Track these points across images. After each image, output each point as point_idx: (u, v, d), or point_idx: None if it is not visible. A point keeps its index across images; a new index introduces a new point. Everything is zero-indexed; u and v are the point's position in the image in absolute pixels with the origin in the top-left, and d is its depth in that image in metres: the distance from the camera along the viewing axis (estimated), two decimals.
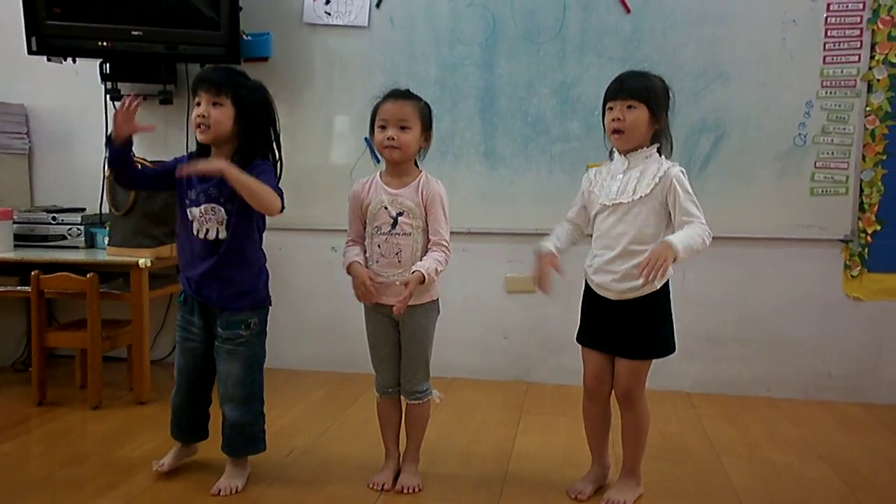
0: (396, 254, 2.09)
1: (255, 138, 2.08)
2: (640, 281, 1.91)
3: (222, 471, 2.19)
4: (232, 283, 2.10)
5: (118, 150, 2.04)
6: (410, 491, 2.16)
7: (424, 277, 2.03)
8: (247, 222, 2.08)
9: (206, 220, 2.06)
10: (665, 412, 2.92)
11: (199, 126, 2.02)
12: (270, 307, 2.22)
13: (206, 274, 2.09)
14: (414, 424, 2.23)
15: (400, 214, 2.09)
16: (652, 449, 2.43)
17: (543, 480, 2.28)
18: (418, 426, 2.23)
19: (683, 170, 2.01)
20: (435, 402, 2.25)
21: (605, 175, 2.07)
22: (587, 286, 2.14)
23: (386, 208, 2.10)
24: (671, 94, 2.04)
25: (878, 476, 2.37)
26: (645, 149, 2.01)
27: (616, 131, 1.99)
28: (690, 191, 1.97)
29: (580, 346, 2.18)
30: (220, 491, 2.12)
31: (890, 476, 2.38)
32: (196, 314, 2.15)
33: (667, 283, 2.05)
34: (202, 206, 2.06)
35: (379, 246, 2.11)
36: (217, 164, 1.94)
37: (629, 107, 1.97)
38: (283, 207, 2.04)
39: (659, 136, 2.04)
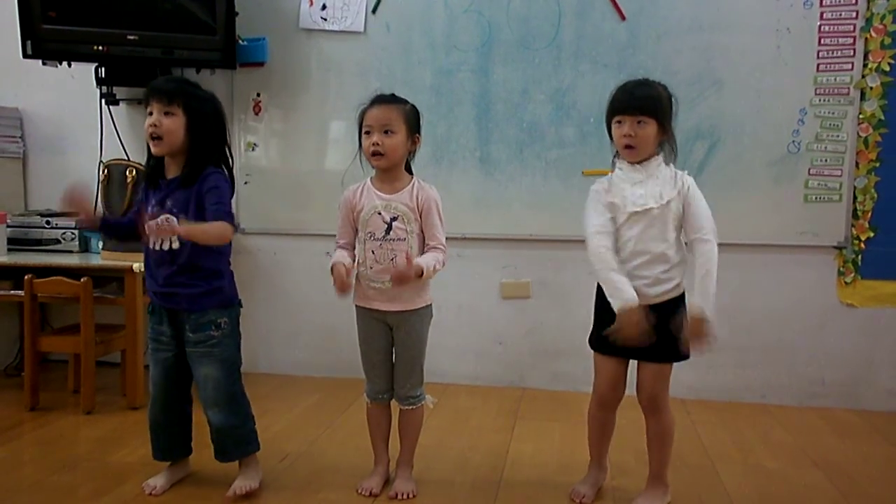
0: (391, 259, 2.08)
1: (207, 148, 2.08)
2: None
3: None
4: (194, 287, 2.08)
5: (104, 230, 2.17)
6: (405, 496, 2.15)
7: (423, 270, 2.01)
8: None
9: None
10: None
11: (152, 137, 2.03)
12: (241, 308, 2.20)
13: (166, 283, 2.08)
14: (407, 430, 2.23)
15: (394, 219, 2.09)
16: (646, 455, 2.43)
17: (538, 486, 2.28)
18: (412, 431, 2.23)
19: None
20: (428, 408, 2.25)
21: (623, 184, 2.04)
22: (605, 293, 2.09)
23: (379, 213, 2.09)
24: (674, 101, 2.06)
25: (872, 483, 2.37)
26: (655, 157, 2.04)
27: (628, 146, 2.00)
28: (703, 198, 2.02)
29: (593, 353, 2.14)
30: (234, 492, 2.10)
31: (883, 483, 2.39)
32: (165, 323, 2.13)
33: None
34: (158, 219, 2.05)
35: (373, 252, 2.10)
36: (169, 230, 1.98)
37: (639, 122, 1.98)
38: (235, 228, 2.06)
39: (665, 145, 2.06)
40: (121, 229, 2.21)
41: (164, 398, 2.17)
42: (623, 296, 1.95)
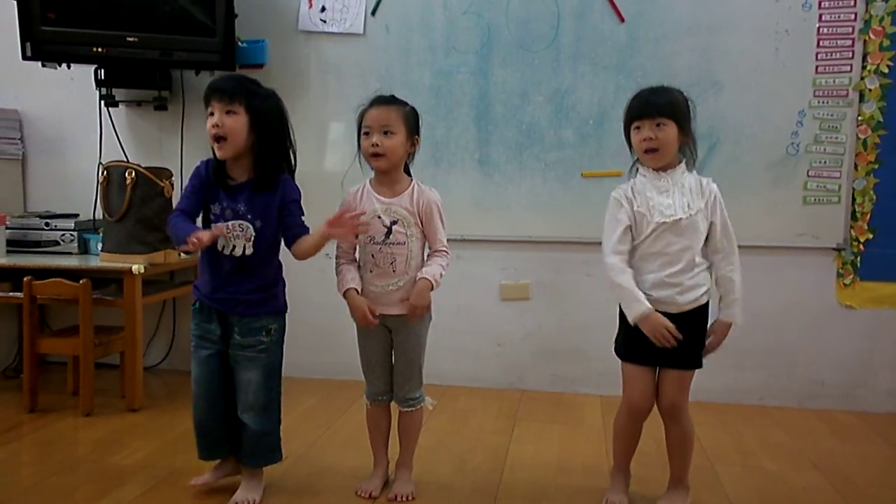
0: (391, 263, 2.09)
1: (272, 148, 2.03)
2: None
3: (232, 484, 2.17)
4: (254, 294, 2.07)
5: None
6: (404, 499, 2.15)
7: (432, 284, 2.05)
8: (272, 237, 2.07)
9: (234, 237, 2.02)
10: (659, 420, 2.89)
11: (216, 139, 1.96)
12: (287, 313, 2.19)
13: (227, 287, 2.05)
14: (407, 432, 2.23)
15: (394, 223, 2.09)
16: (645, 456, 2.43)
17: (538, 488, 2.28)
18: (411, 433, 2.23)
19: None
20: (428, 409, 2.25)
21: (648, 193, 2.01)
22: None
23: (379, 217, 2.09)
24: (692, 105, 2.05)
25: (871, 484, 2.37)
26: (679, 165, 2.03)
27: (650, 150, 1.98)
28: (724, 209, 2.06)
29: (622, 363, 2.11)
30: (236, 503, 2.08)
31: (882, 484, 2.39)
32: (214, 322, 2.09)
33: None
34: (229, 223, 2.02)
35: (373, 255, 2.10)
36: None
37: (658, 125, 1.96)
38: None
39: (684, 149, 2.04)
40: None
41: (209, 396, 2.12)
42: (639, 308, 1.97)
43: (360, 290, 2.09)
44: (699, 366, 2.07)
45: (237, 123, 1.96)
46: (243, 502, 2.09)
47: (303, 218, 2.09)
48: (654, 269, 2.01)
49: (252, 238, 2.02)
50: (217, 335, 2.10)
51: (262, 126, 2.00)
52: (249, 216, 2.02)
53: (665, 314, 1.99)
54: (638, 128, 1.99)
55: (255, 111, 1.98)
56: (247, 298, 2.06)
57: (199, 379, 2.12)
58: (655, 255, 2.01)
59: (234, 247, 2.03)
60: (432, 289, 2.06)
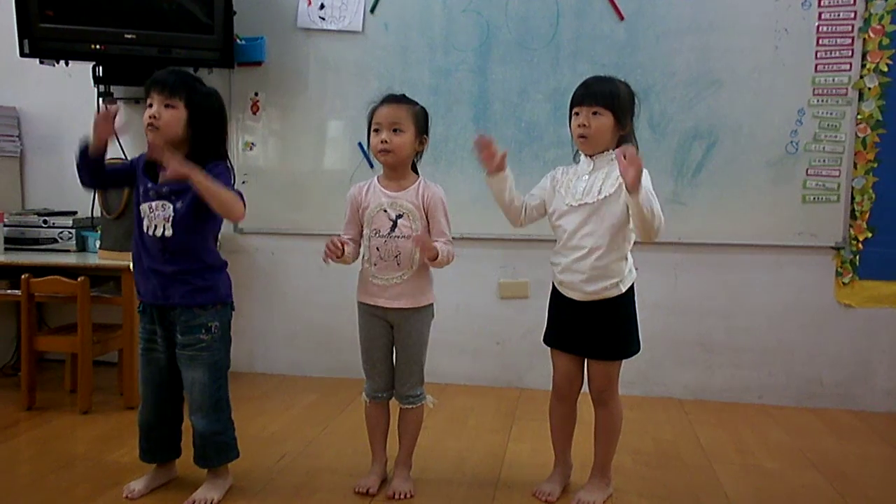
0: (395, 256, 2.09)
1: (207, 143, 2.05)
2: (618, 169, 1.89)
3: (199, 483, 2.16)
4: (185, 282, 2.05)
5: (96, 158, 2.04)
6: (403, 496, 2.15)
7: (437, 253, 2.03)
8: (195, 221, 2.04)
9: (155, 217, 2.04)
10: (658, 419, 2.91)
11: (149, 126, 2.00)
12: (234, 311, 2.17)
13: (156, 271, 2.05)
14: (407, 429, 2.23)
15: (399, 217, 2.10)
16: (644, 455, 2.43)
17: (535, 486, 2.27)
18: (411, 431, 2.23)
19: (648, 173, 2.01)
20: (428, 408, 2.25)
21: (571, 176, 2.10)
22: (554, 288, 2.16)
23: (385, 211, 2.10)
24: (637, 100, 2.08)
25: (869, 483, 2.37)
26: (610, 151, 2.06)
27: (581, 136, 2.04)
28: (650, 188, 1.96)
29: (551, 350, 2.19)
30: (194, 503, 2.08)
31: (881, 483, 2.39)
32: (156, 323, 2.10)
33: (632, 286, 2.09)
34: (151, 203, 2.04)
35: (378, 248, 2.11)
36: (185, 168, 1.91)
37: (594, 113, 2.01)
38: (244, 209, 2.05)
39: (624, 141, 2.07)
40: (97, 168, 2.09)
41: (156, 399, 2.14)
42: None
43: (341, 240, 2.09)
44: (623, 356, 2.10)
45: (173, 117, 1.99)
46: (201, 501, 2.08)
47: (229, 185, 2.04)
48: (565, 253, 2.08)
49: (170, 218, 2.02)
50: (161, 336, 2.11)
51: (199, 122, 2.02)
52: (171, 197, 2.02)
53: (572, 301, 2.07)
54: (576, 113, 2.05)
55: (195, 108, 2.01)
56: (181, 290, 2.04)
57: (145, 380, 2.15)
58: (567, 238, 2.07)
59: (156, 227, 2.04)
60: (436, 257, 2.03)
